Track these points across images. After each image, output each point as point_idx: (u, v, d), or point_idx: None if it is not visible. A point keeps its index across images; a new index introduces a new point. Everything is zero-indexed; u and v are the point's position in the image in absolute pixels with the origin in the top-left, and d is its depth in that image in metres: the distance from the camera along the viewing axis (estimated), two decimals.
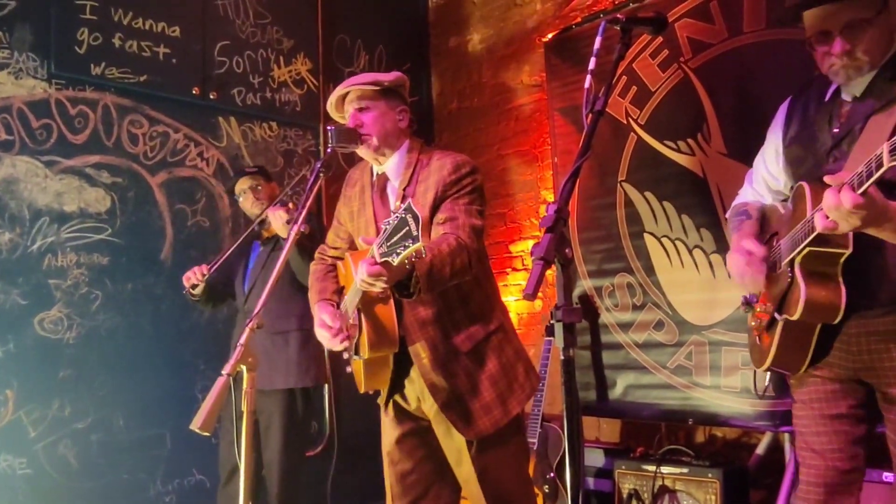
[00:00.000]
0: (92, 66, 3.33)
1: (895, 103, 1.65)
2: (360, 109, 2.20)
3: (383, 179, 2.28)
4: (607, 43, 1.57)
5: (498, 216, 4.41)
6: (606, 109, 1.51)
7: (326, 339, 2.15)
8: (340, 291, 2.34)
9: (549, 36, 3.95)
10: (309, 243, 2.74)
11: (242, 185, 3.19)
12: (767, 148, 2.05)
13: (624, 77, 3.48)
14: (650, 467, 3.09)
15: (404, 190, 2.20)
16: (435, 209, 2.13)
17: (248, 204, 3.18)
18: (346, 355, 2.23)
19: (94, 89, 3.34)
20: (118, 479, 3.25)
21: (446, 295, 2.12)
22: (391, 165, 2.25)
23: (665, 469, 3.06)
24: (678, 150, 3.31)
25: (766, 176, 2.06)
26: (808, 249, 1.65)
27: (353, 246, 2.37)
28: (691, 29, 3.25)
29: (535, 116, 4.23)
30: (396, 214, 1.67)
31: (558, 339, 1.34)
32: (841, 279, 1.67)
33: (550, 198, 4.09)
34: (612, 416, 3.63)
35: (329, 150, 2.15)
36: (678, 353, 3.27)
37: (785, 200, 2.00)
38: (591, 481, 3.37)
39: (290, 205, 2.86)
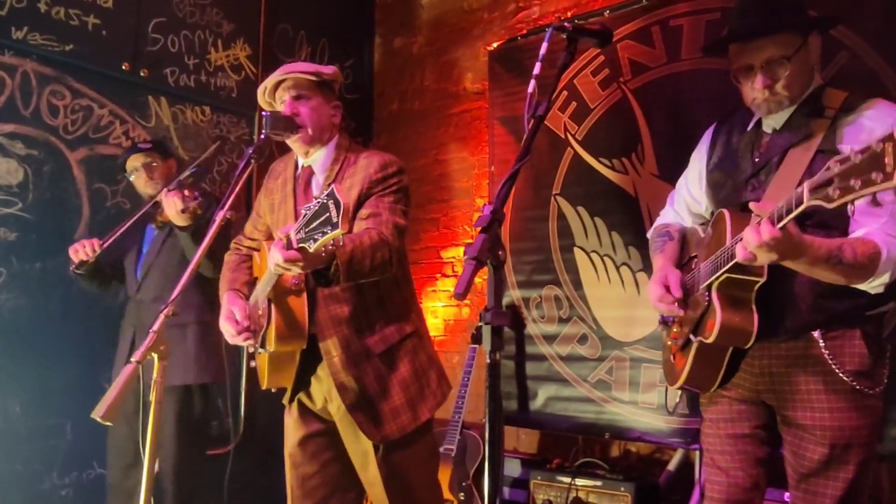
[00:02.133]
0: (13, 29, 3.12)
1: (812, 138, 1.73)
2: (297, 98, 2.16)
3: (308, 172, 2.24)
4: (551, 56, 1.58)
5: (431, 221, 4.38)
6: (546, 122, 1.52)
7: (230, 333, 2.08)
8: (253, 283, 2.27)
9: (495, 45, 3.97)
10: (202, 236, 2.64)
11: (135, 161, 2.97)
12: (691, 171, 2.11)
13: (565, 92, 3.52)
14: (565, 479, 3.12)
15: (329, 185, 2.13)
16: (359, 206, 2.11)
17: (141, 183, 2.97)
18: (251, 349, 2.16)
19: (13, 54, 3.14)
20: (11, 470, 3.04)
21: (363, 294, 2.09)
22: (318, 159, 2.22)
23: (579, 481, 3.09)
24: (612, 168, 3.36)
25: (688, 199, 2.11)
26: (725, 276, 1.70)
27: (270, 238, 2.30)
28: (632, 51, 3.31)
29: (475, 124, 4.23)
30: (318, 200, 1.63)
31: (486, 343, 1.32)
32: (754, 306, 1.73)
33: None
34: (532, 426, 3.65)
35: (262, 136, 2.08)
36: (599, 368, 3.31)
37: (704, 224, 2.06)
38: (506, 490, 3.38)
39: (186, 192, 2.65)
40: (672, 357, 2.01)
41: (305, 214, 1.67)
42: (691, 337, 1.85)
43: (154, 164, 2.96)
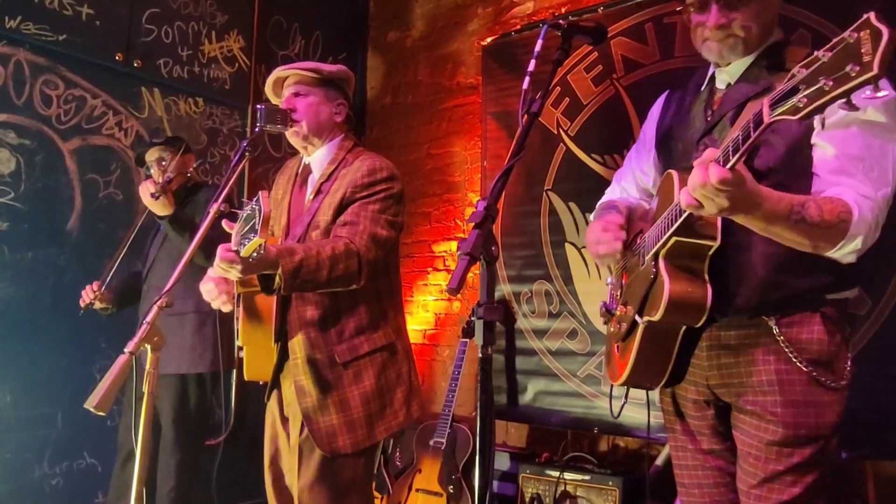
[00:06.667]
0: (6, 18, 3.11)
1: (772, 91, 1.43)
2: (296, 94, 2.17)
3: (307, 170, 2.24)
4: (545, 52, 1.58)
5: (423, 215, 4.39)
6: (539, 118, 1.50)
7: (213, 294, 2.01)
8: None
9: (488, 40, 3.97)
10: (183, 222, 2.70)
11: (151, 156, 3.00)
12: (639, 143, 1.96)
13: (558, 88, 3.53)
14: (554, 473, 3.14)
15: (321, 185, 2.14)
16: (342, 210, 2.05)
17: (156, 177, 2.97)
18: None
19: (6, 43, 3.12)
20: (1, 459, 3.03)
21: (337, 300, 2.05)
22: (317, 157, 2.21)
23: (568, 475, 3.11)
24: (604, 165, 3.39)
25: (637, 172, 1.95)
26: (674, 240, 1.49)
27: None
28: (626, 48, 3.33)
29: (468, 119, 4.24)
30: (250, 205, 1.63)
31: (478, 337, 1.32)
32: (707, 276, 1.52)
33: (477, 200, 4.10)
34: (521, 420, 3.67)
35: (256, 129, 2.08)
36: (589, 363, 3.34)
37: (652, 198, 1.89)
38: (495, 484, 3.39)
39: (160, 177, 2.73)
40: (615, 348, 1.78)
41: (241, 217, 1.66)
42: (637, 318, 1.61)
43: (166, 158, 2.96)
